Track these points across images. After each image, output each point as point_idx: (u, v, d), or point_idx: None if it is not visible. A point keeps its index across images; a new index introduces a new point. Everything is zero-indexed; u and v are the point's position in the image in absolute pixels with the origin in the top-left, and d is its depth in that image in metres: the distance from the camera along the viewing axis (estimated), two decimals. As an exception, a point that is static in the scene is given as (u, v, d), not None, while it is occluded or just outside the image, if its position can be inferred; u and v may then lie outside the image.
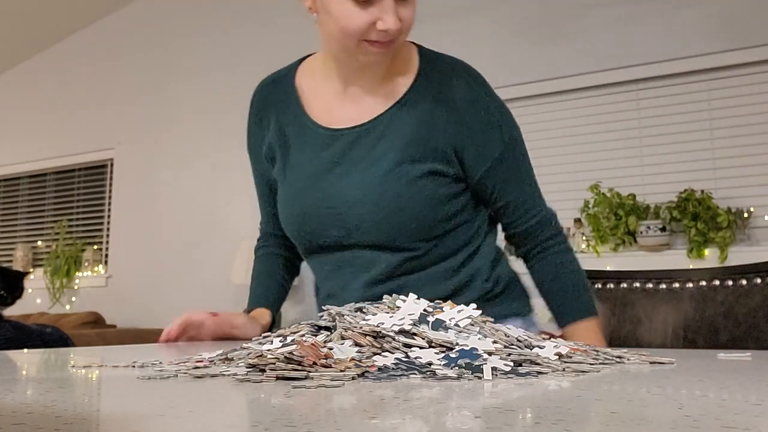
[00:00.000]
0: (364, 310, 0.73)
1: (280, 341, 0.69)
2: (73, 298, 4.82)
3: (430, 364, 0.60)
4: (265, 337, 0.74)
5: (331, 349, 0.63)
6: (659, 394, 0.47)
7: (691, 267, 2.26)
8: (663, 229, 3.12)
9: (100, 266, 4.83)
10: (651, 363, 0.70)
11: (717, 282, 1.43)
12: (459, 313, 0.71)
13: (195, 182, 4.47)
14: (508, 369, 0.59)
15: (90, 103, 5.00)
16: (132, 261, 4.63)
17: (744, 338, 1.36)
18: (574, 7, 3.47)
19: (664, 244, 3.14)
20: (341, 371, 0.57)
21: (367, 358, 0.62)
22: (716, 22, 3.15)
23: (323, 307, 0.77)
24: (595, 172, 3.34)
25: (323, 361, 0.59)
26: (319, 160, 1.14)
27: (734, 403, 0.43)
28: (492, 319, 0.74)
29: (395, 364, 0.60)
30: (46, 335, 2.00)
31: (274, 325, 1.24)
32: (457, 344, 0.64)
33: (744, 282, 1.39)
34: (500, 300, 1.16)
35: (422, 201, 1.08)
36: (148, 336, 3.45)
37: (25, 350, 1.40)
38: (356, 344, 0.64)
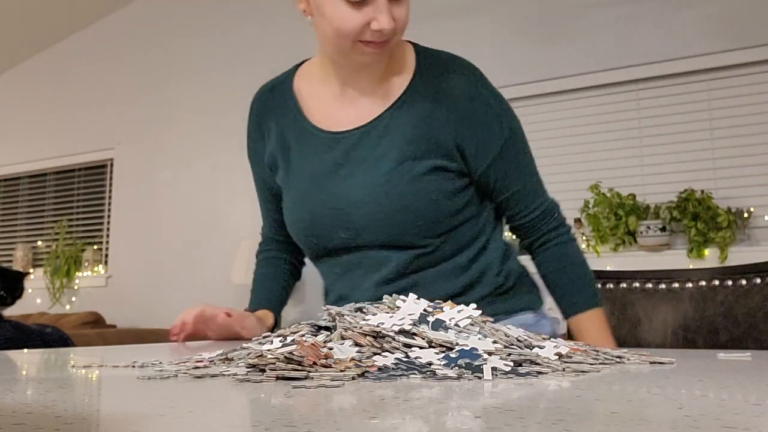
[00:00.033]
0: (364, 310, 0.73)
1: (280, 341, 0.69)
2: (73, 298, 4.82)
3: (430, 364, 0.60)
4: (265, 337, 0.74)
5: (331, 349, 0.63)
6: (659, 394, 0.47)
7: (691, 267, 2.26)
8: (663, 229, 3.12)
9: (100, 266, 4.83)
10: (651, 363, 0.70)
11: (717, 282, 1.43)
12: (459, 313, 0.71)
13: (195, 182, 4.47)
14: (508, 369, 0.59)
15: (90, 103, 5.00)
16: (132, 261, 4.64)
17: (744, 338, 1.36)
18: (574, 7, 3.47)
19: (664, 244, 3.14)
20: (341, 371, 0.57)
21: (367, 358, 0.62)
22: (716, 22, 3.15)
23: (323, 307, 0.77)
24: (595, 172, 3.34)
25: (323, 361, 0.59)
26: (322, 163, 1.14)
27: (734, 403, 0.43)
28: (492, 319, 0.74)
29: (395, 364, 0.60)
30: (46, 335, 2.00)
31: (276, 328, 1.24)
32: (457, 344, 0.64)
33: (744, 282, 1.39)
34: (512, 294, 1.16)
35: (427, 197, 1.08)
36: (148, 336, 3.45)
37: (25, 350, 1.40)
38: (356, 344, 0.64)
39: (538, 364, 0.63)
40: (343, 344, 0.64)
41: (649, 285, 1.50)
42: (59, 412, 0.41)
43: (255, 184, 1.31)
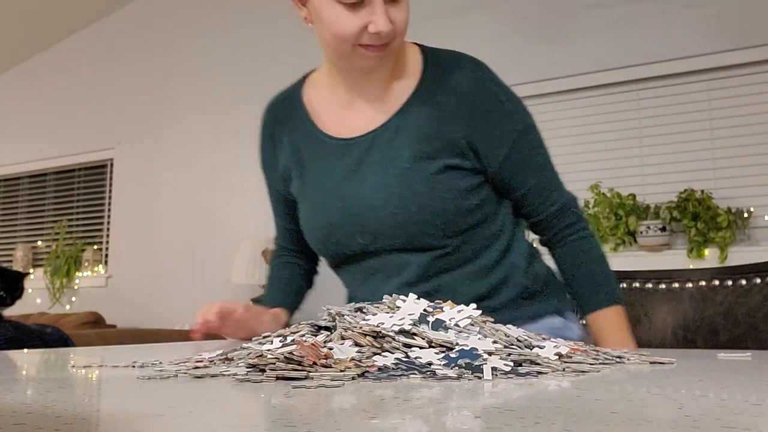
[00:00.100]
0: (364, 310, 0.73)
1: (280, 341, 0.69)
2: (73, 298, 4.82)
3: (430, 364, 0.60)
4: (265, 337, 0.74)
5: (331, 349, 0.63)
6: (659, 394, 0.47)
7: (691, 267, 2.26)
8: (663, 229, 3.12)
9: (100, 266, 4.82)
10: (651, 363, 0.70)
11: (717, 282, 1.43)
12: (459, 313, 0.71)
13: (195, 182, 4.47)
14: (508, 369, 0.59)
15: (90, 103, 5.00)
16: (132, 261, 4.63)
17: (744, 338, 1.36)
18: (574, 7, 3.47)
19: (664, 244, 3.14)
20: (341, 371, 0.57)
21: (367, 358, 0.62)
22: (716, 22, 3.15)
23: (323, 307, 0.77)
24: (595, 172, 3.34)
25: (323, 361, 0.59)
26: (335, 171, 1.14)
27: (734, 403, 0.43)
28: (492, 319, 0.74)
29: (395, 364, 0.60)
30: (46, 335, 2.00)
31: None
32: (457, 344, 0.64)
33: (743, 282, 1.39)
34: (539, 297, 1.15)
35: (442, 196, 1.07)
36: (148, 336, 3.45)
37: (25, 350, 1.40)
38: (356, 344, 0.64)
39: (538, 364, 0.63)
40: (343, 344, 0.64)
41: (649, 285, 1.50)
42: (59, 412, 0.41)
43: (269, 195, 1.30)
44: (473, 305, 0.74)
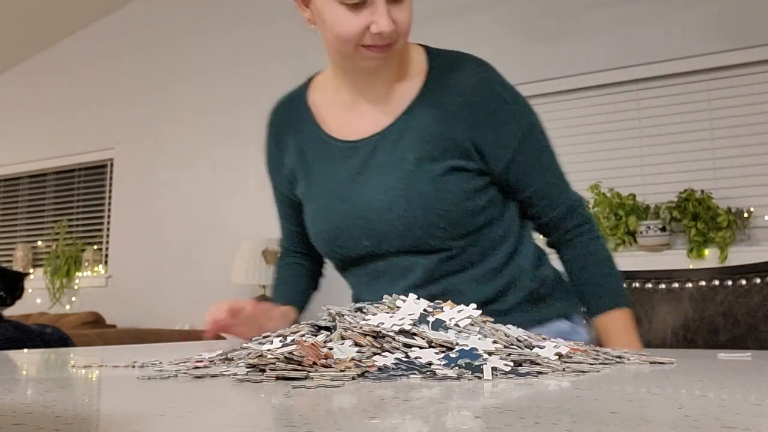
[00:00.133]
0: (364, 310, 0.73)
1: (280, 341, 0.69)
2: (73, 298, 4.82)
3: (430, 364, 0.60)
4: (265, 337, 0.74)
5: (331, 349, 0.63)
6: (659, 394, 0.47)
7: (691, 267, 2.26)
8: (663, 229, 3.12)
9: (100, 266, 4.82)
10: (651, 363, 0.70)
11: (716, 282, 1.43)
12: (459, 313, 0.71)
13: (195, 182, 4.47)
14: (508, 369, 0.59)
15: (90, 103, 5.00)
16: (132, 261, 4.63)
17: (743, 338, 1.36)
18: (574, 7, 3.47)
19: (664, 244, 3.14)
20: (341, 371, 0.57)
21: (367, 358, 0.62)
22: (716, 22, 3.15)
23: (323, 307, 0.77)
24: (595, 172, 3.34)
25: (323, 361, 0.59)
26: (340, 173, 1.14)
27: (734, 403, 0.43)
28: (492, 319, 0.74)
29: (395, 364, 0.60)
30: (46, 335, 2.00)
31: None
32: (457, 344, 0.64)
33: (743, 282, 1.39)
34: (547, 301, 1.14)
35: (448, 198, 1.06)
36: (148, 336, 3.45)
37: (25, 350, 1.40)
38: (356, 344, 0.64)
39: (538, 364, 0.63)
40: (343, 344, 0.64)
41: (649, 285, 1.50)
42: (59, 412, 0.41)
43: (275, 198, 1.30)
44: (473, 305, 0.74)
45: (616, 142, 3.36)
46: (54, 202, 5.15)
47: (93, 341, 2.89)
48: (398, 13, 1.03)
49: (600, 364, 0.67)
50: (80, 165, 5.02)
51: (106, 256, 4.81)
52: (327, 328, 0.71)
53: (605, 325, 1.11)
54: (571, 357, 0.67)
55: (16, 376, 0.68)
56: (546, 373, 0.60)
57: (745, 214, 3.02)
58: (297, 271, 1.32)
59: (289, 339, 0.69)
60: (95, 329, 3.75)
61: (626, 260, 3.15)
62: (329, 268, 1.30)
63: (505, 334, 0.70)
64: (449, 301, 0.76)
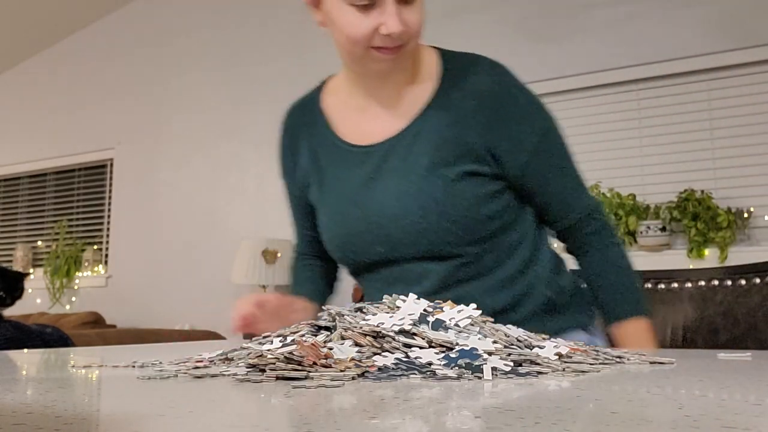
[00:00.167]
0: (364, 310, 0.73)
1: (280, 341, 0.69)
2: (73, 298, 4.82)
3: (430, 364, 0.60)
4: (265, 337, 0.74)
5: (331, 349, 0.63)
6: (659, 394, 0.47)
7: (691, 267, 2.26)
8: (663, 229, 3.12)
9: (100, 266, 4.82)
10: (651, 363, 0.70)
11: (716, 282, 1.43)
12: (459, 313, 0.71)
13: (195, 182, 4.47)
14: (508, 369, 0.59)
15: (90, 103, 5.00)
16: (132, 261, 4.64)
17: (743, 338, 1.36)
18: (574, 6, 3.47)
19: (664, 244, 3.14)
20: (341, 371, 0.57)
21: (367, 358, 0.62)
22: (716, 22, 3.15)
23: (323, 307, 0.77)
24: (595, 172, 3.34)
25: (323, 361, 0.59)
26: (354, 178, 1.12)
27: (734, 403, 0.43)
28: (492, 319, 0.74)
29: (395, 364, 0.60)
30: (46, 335, 2.00)
31: None
32: (457, 344, 0.64)
33: (743, 282, 1.39)
34: (563, 311, 1.12)
35: (462, 203, 1.05)
36: (148, 336, 3.45)
37: (25, 350, 1.40)
38: (356, 344, 0.64)
39: (538, 364, 0.63)
40: (343, 344, 0.64)
41: (649, 285, 1.50)
42: (59, 412, 0.41)
43: (289, 202, 1.29)
44: (473, 305, 0.74)
45: (616, 142, 3.36)
46: (54, 202, 5.16)
47: (93, 341, 2.89)
48: (409, 15, 1.01)
49: (600, 364, 0.67)
50: (80, 165, 5.03)
51: (106, 256, 4.81)
52: (327, 328, 0.71)
53: (622, 333, 1.09)
54: (571, 357, 0.67)
55: (16, 376, 0.68)
56: (546, 373, 0.60)
57: (745, 214, 3.02)
58: (313, 273, 1.29)
59: (289, 339, 0.69)
60: (95, 329, 3.75)
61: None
62: (342, 272, 1.28)
63: (505, 334, 0.70)
64: (449, 301, 0.76)
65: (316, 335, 0.69)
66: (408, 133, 1.10)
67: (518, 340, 0.69)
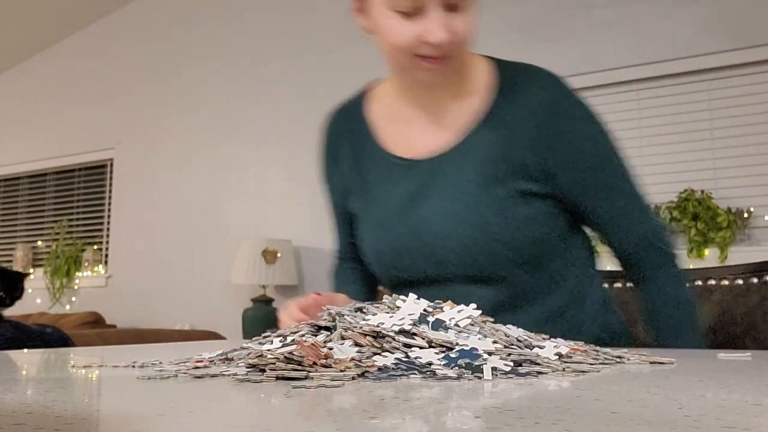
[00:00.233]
0: (364, 310, 0.73)
1: (280, 341, 0.69)
2: (73, 298, 4.82)
3: (430, 364, 0.60)
4: (265, 337, 0.74)
5: (331, 349, 0.63)
6: (659, 394, 0.47)
7: (691, 267, 2.26)
8: (663, 229, 3.12)
9: (100, 266, 4.82)
10: (651, 363, 0.70)
11: (714, 281, 1.43)
12: (459, 313, 0.71)
13: (195, 182, 4.47)
14: (508, 369, 0.59)
15: (90, 102, 5.00)
16: (132, 261, 4.64)
17: (742, 337, 1.36)
18: (575, 7, 3.47)
19: (664, 244, 3.14)
20: (341, 371, 0.57)
21: (367, 358, 0.62)
22: (716, 22, 3.16)
23: (323, 307, 0.77)
24: (595, 172, 3.34)
25: (323, 361, 0.59)
26: (399, 192, 1.08)
27: (734, 403, 0.43)
28: (492, 319, 0.74)
29: (395, 364, 0.60)
30: (46, 335, 2.00)
31: None
32: (457, 344, 0.64)
33: (741, 282, 1.39)
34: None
35: (513, 224, 1.01)
36: (148, 336, 3.45)
37: (25, 350, 1.40)
38: (356, 344, 0.64)
39: (538, 364, 0.63)
40: (343, 344, 0.64)
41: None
42: (59, 412, 0.41)
43: (330, 207, 1.25)
44: (473, 305, 0.74)
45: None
46: (54, 202, 5.16)
47: (93, 341, 2.89)
48: (455, 22, 0.97)
49: (600, 364, 0.67)
50: (80, 165, 5.03)
51: (106, 256, 4.81)
52: (327, 328, 0.71)
53: None
54: (571, 357, 0.67)
55: (16, 376, 0.68)
56: (546, 373, 0.60)
57: (745, 214, 3.02)
58: (355, 276, 1.25)
59: (289, 339, 0.69)
60: (95, 329, 3.75)
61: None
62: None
63: (505, 334, 0.70)
64: (449, 301, 0.76)
65: (316, 335, 0.70)
66: (458, 148, 1.05)
67: (518, 340, 0.69)
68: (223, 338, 3.38)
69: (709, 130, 3.17)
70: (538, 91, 1.04)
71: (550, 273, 1.05)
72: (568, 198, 1.04)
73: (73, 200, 5.06)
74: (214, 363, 0.69)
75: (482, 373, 0.57)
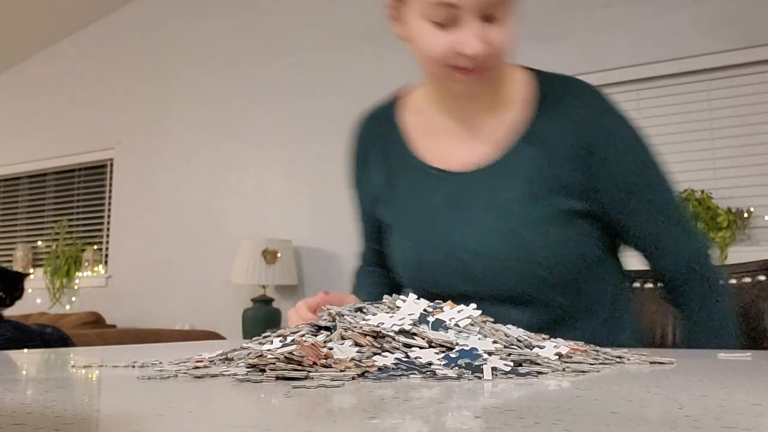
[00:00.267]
0: (364, 310, 0.73)
1: (280, 341, 0.69)
2: (73, 298, 4.82)
3: (430, 364, 0.60)
4: (265, 337, 0.74)
5: (331, 349, 0.63)
6: (659, 394, 0.47)
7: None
8: (663, 229, 3.12)
9: (100, 266, 4.82)
10: (651, 363, 0.70)
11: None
12: (459, 313, 0.71)
13: (195, 182, 4.47)
14: (508, 369, 0.59)
15: (90, 103, 5.00)
16: (132, 261, 4.64)
17: (741, 337, 1.36)
18: (574, 6, 3.47)
19: (664, 244, 3.14)
20: (341, 371, 0.57)
21: (367, 358, 0.62)
22: (716, 22, 3.15)
23: (323, 307, 0.77)
24: (595, 172, 3.34)
25: (323, 361, 0.59)
26: (434, 204, 1.05)
27: (734, 403, 0.43)
28: (492, 319, 0.74)
29: (395, 364, 0.60)
30: (46, 335, 2.00)
31: None
32: (457, 344, 0.64)
33: (733, 281, 1.39)
34: None
35: (553, 245, 0.98)
36: (148, 336, 3.45)
37: (25, 350, 1.40)
38: (356, 344, 0.64)
39: (538, 364, 0.63)
40: (343, 344, 0.64)
41: (649, 285, 1.50)
42: (59, 412, 0.41)
43: (357, 212, 1.22)
44: (473, 305, 0.74)
45: (616, 142, 3.36)
46: (54, 202, 5.16)
47: (93, 341, 2.89)
48: (492, 34, 0.94)
49: (600, 364, 0.67)
50: (80, 165, 5.03)
51: (106, 256, 4.81)
52: (327, 328, 0.71)
53: None
54: (571, 357, 0.67)
55: (16, 376, 0.68)
56: (546, 373, 0.60)
57: (745, 214, 3.02)
58: (374, 279, 1.23)
59: (289, 339, 0.69)
60: (95, 329, 3.75)
61: (626, 260, 3.15)
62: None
63: (505, 334, 0.70)
64: (449, 301, 0.76)
65: (316, 335, 0.69)
66: (499, 164, 1.02)
67: (518, 340, 0.69)
68: (223, 338, 3.38)
69: (709, 130, 3.17)
70: (580, 106, 1.02)
71: (585, 296, 1.03)
72: (609, 217, 1.02)
73: (73, 200, 5.06)
74: (214, 363, 0.69)
75: (482, 373, 0.57)
